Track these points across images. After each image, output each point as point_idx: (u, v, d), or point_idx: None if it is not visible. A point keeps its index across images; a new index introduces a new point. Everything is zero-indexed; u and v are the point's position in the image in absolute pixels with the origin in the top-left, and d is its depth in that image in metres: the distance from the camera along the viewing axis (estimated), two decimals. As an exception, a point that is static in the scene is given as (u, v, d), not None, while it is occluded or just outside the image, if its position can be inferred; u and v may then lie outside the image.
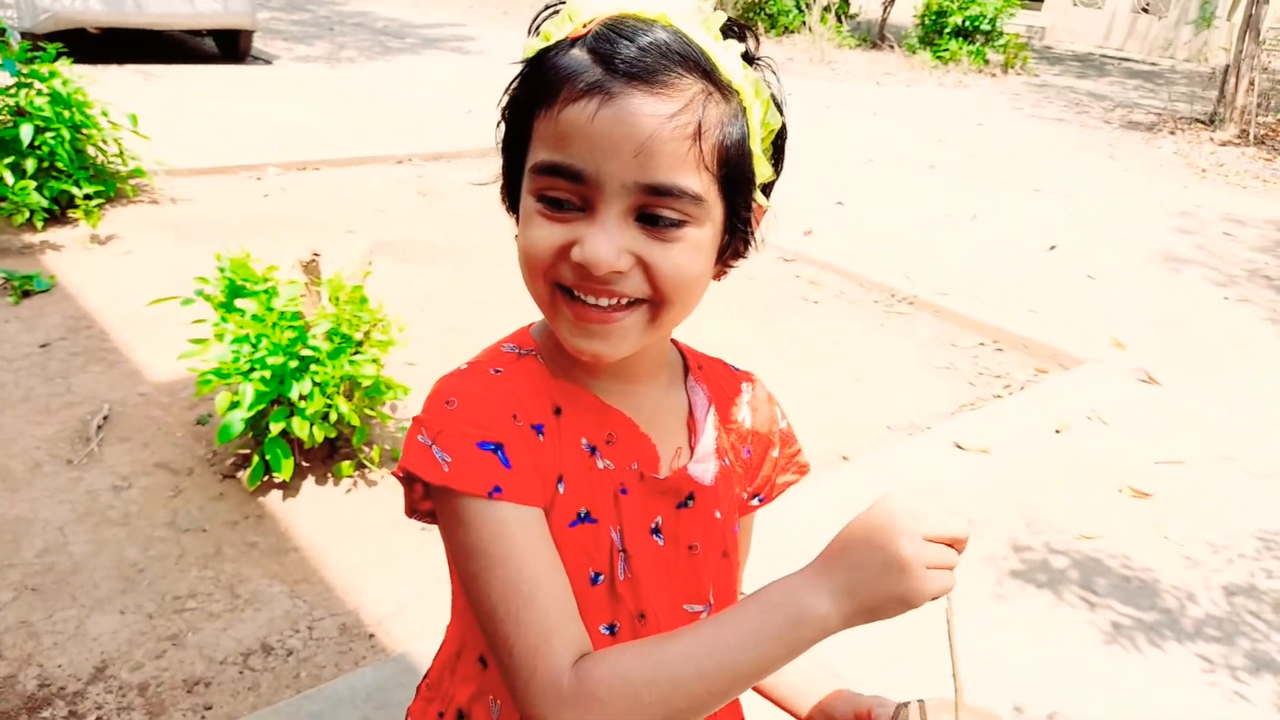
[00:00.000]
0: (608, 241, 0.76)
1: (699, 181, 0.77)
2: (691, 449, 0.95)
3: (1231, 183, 8.31)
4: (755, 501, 1.04)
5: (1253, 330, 4.98)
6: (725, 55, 0.79)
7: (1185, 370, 4.36)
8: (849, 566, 0.73)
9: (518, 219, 0.86)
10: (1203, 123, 10.38)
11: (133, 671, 2.28)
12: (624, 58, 0.75)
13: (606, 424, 0.89)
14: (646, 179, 0.75)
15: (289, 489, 2.94)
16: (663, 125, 0.74)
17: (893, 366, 4.30)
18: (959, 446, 3.52)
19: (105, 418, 3.24)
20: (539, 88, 0.78)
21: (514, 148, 0.83)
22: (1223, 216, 7.13)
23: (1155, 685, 2.46)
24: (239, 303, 2.83)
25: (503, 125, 0.85)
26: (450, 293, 4.58)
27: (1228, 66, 10.16)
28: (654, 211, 0.77)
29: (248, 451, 3.01)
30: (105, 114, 5.03)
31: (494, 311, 4.39)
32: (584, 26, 0.77)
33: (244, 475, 2.91)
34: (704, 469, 0.94)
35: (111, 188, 5.14)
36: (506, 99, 0.84)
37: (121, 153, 5.19)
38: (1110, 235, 6.42)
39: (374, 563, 2.68)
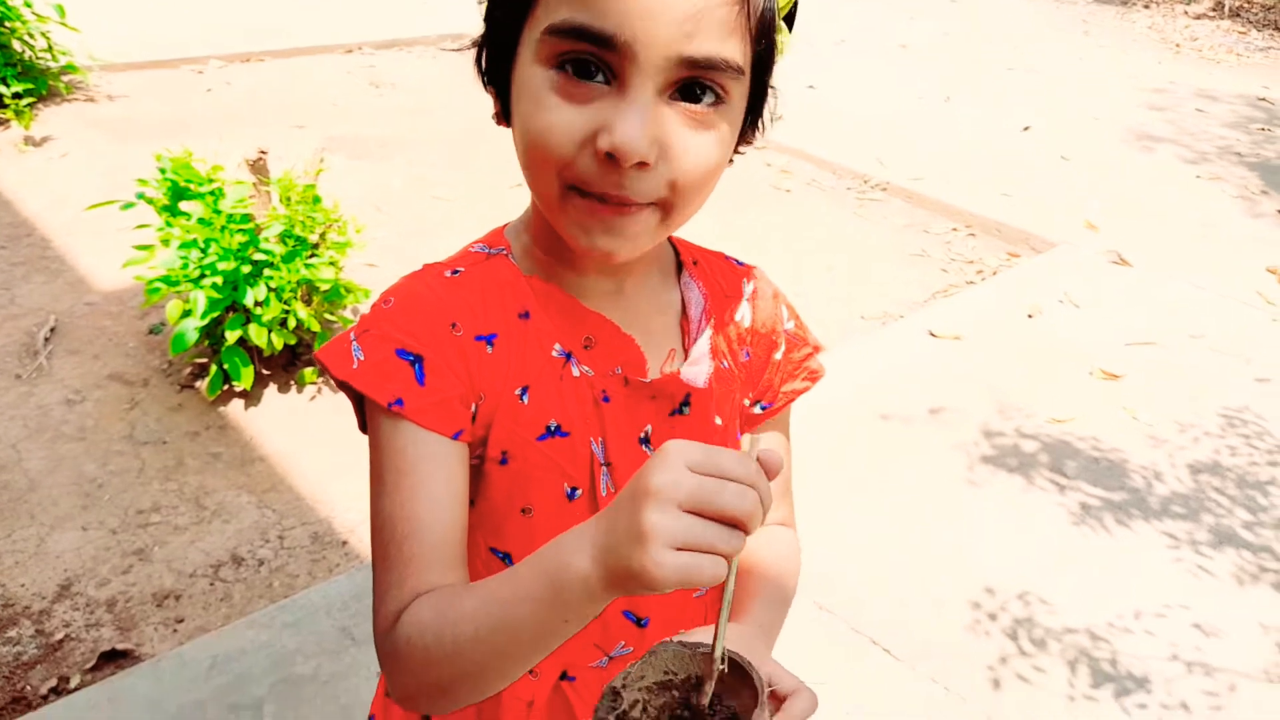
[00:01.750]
0: (641, 125, 0.65)
1: (741, 54, 0.68)
2: (686, 351, 0.87)
3: (1205, 57, 8.16)
4: (759, 409, 0.95)
5: (1222, 208, 4.96)
6: None
7: (1156, 250, 4.34)
8: (610, 524, 0.60)
9: (501, 98, 0.75)
10: (1178, -5, 10.12)
11: (99, 588, 2.24)
12: None
13: (583, 327, 0.82)
14: (692, 50, 0.65)
15: (250, 398, 2.86)
16: None
17: (866, 255, 4.24)
18: (932, 334, 3.49)
19: (52, 329, 3.11)
20: None
21: (506, 9, 0.71)
22: (1195, 92, 7.01)
23: (1122, 563, 2.50)
24: (184, 205, 2.68)
25: None
26: (409, 189, 4.41)
27: (1205, -66, 9.84)
28: (693, 87, 0.67)
29: (205, 360, 2.91)
30: (29, 4, 4.69)
31: (455, 208, 4.24)
32: None
33: (202, 385, 2.83)
34: (698, 371, 0.86)
35: (43, 85, 4.83)
36: None
37: (50, 47, 4.86)
38: (1084, 115, 6.30)
39: (343, 469, 2.64)
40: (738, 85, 0.69)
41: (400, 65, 6.22)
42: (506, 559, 0.83)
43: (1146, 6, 9.87)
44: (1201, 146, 5.85)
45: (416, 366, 0.74)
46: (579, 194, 0.70)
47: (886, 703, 2.06)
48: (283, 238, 2.75)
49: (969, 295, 3.87)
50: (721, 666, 0.66)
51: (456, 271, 0.81)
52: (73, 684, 2.01)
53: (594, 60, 0.65)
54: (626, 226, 0.71)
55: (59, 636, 2.12)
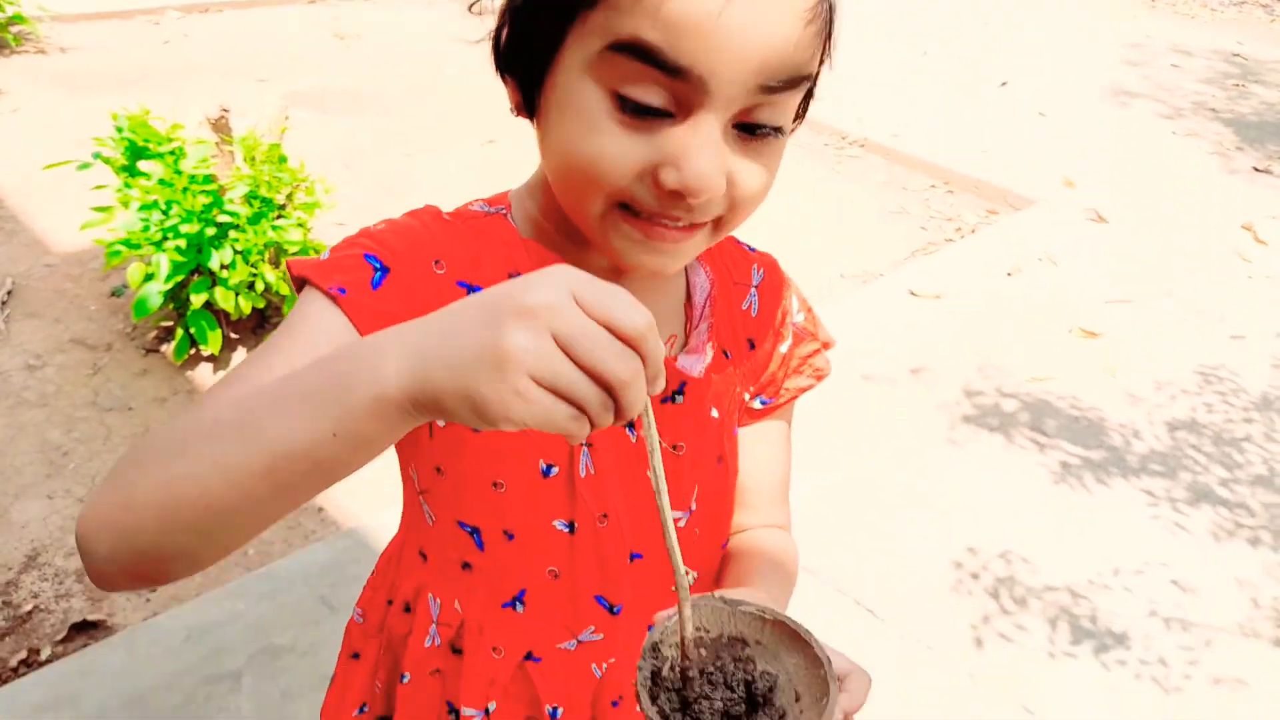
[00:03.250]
0: (715, 163, 0.60)
1: (814, 63, 0.63)
2: (687, 337, 0.82)
3: (1180, 13, 8.14)
4: (759, 403, 0.89)
5: (1198, 164, 4.96)
6: None
7: (1133, 207, 4.34)
8: (446, 332, 0.49)
9: (524, 91, 0.67)
10: (1153, -52, 10.06)
11: (68, 558, 2.18)
12: None
13: None
14: (770, 79, 0.59)
15: (219, 362, 2.78)
16: (799, 16, 0.59)
17: (845, 212, 4.20)
18: (913, 293, 3.47)
19: (10, 292, 3.00)
20: None
21: (550, 2, 0.62)
22: (1170, 47, 6.99)
23: (1101, 521, 2.52)
24: (143, 165, 2.58)
25: None
26: (376, 145, 4.30)
27: (1182, -114, 9.75)
28: (758, 118, 0.62)
29: (170, 324, 2.82)
30: (-28, -49, 4.49)
31: (426, 163, 4.14)
32: None
33: (168, 349, 2.74)
34: (695, 359, 0.81)
35: (-10, 37, 4.65)
36: None
37: (-3, -4, 4.67)
38: (1061, 69, 6.27)
39: (316, 435, 2.57)
40: (801, 97, 0.64)
41: (364, 16, 6.04)
42: (475, 534, 0.78)
43: (1122, -41, 9.80)
44: (1177, 102, 5.84)
45: (379, 274, 0.66)
46: (628, 213, 0.65)
47: (871, 662, 2.05)
48: (248, 199, 2.65)
49: (949, 253, 3.84)
50: (698, 633, 0.62)
51: (451, 218, 0.76)
52: (44, 656, 1.96)
53: (662, 89, 0.59)
54: (681, 250, 0.67)
55: (27, 608, 2.06)
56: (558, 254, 0.75)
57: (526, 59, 0.66)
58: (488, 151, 4.16)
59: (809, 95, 0.70)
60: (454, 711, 0.84)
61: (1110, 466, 2.73)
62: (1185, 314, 3.53)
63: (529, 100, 0.67)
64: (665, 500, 0.55)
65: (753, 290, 0.87)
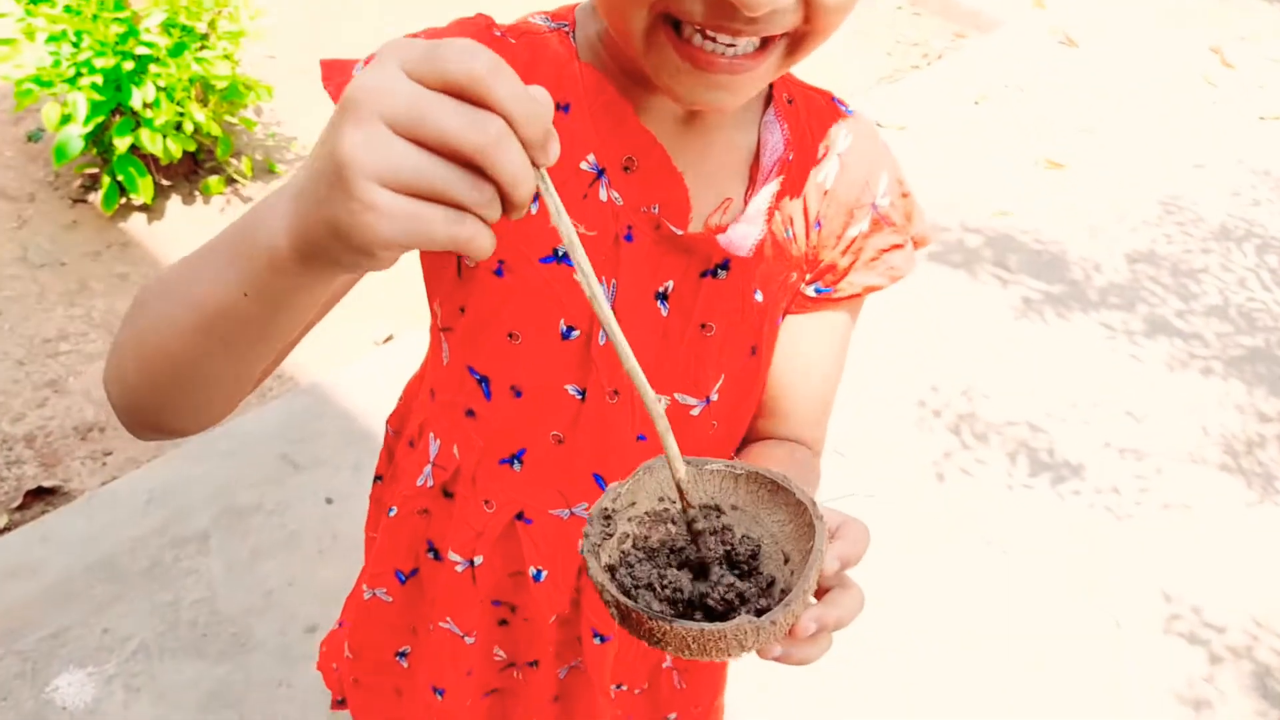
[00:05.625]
0: None
1: None
2: (746, 203, 0.71)
3: None
4: (814, 291, 0.78)
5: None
6: None
7: (1103, 28, 4.19)
8: (307, 164, 0.44)
9: None
10: None
11: (14, 423, 2.10)
12: None
13: (629, 144, 0.67)
14: None
15: (152, 212, 2.62)
16: None
17: (806, 37, 4.00)
18: (878, 125, 3.35)
19: (-87, 139, 2.77)
20: None
21: None
22: None
23: (1061, 355, 2.55)
24: (43, -10, 2.32)
25: None
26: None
27: None
28: None
29: (96, 171, 2.63)
30: None
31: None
32: None
33: (96, 199, 2.57)
34: (748, 233, 0.71)
35: None
36: None
37: None
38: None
39: (265, 287, 2.47)
40: None
41: None
42: (484, 383, 0.74)
43: None
44: (1152, -88, 5.56)
45: None
46: (675, 30, 0.54)
47: (836, 502, 2.11)
48: (166, 28, 2.42)
49: (914, 81, 3.71)
50: (660, 504, 0.56)
51: (502, 35, 0.67)
52: (1, 523, 1.92)
53: None
54: (740, 83, 0.57)
55: (-23, 476, 2.00)
56: (612, 85, 0.67)
57: None
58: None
59: None
60: (433, 551, 0.83)
61: (1070, 300, 2.74)
62: (1149, 142, 3.48)
63: None
64: (606, 308, 0.46)
65: (834, 158, 0.74)
